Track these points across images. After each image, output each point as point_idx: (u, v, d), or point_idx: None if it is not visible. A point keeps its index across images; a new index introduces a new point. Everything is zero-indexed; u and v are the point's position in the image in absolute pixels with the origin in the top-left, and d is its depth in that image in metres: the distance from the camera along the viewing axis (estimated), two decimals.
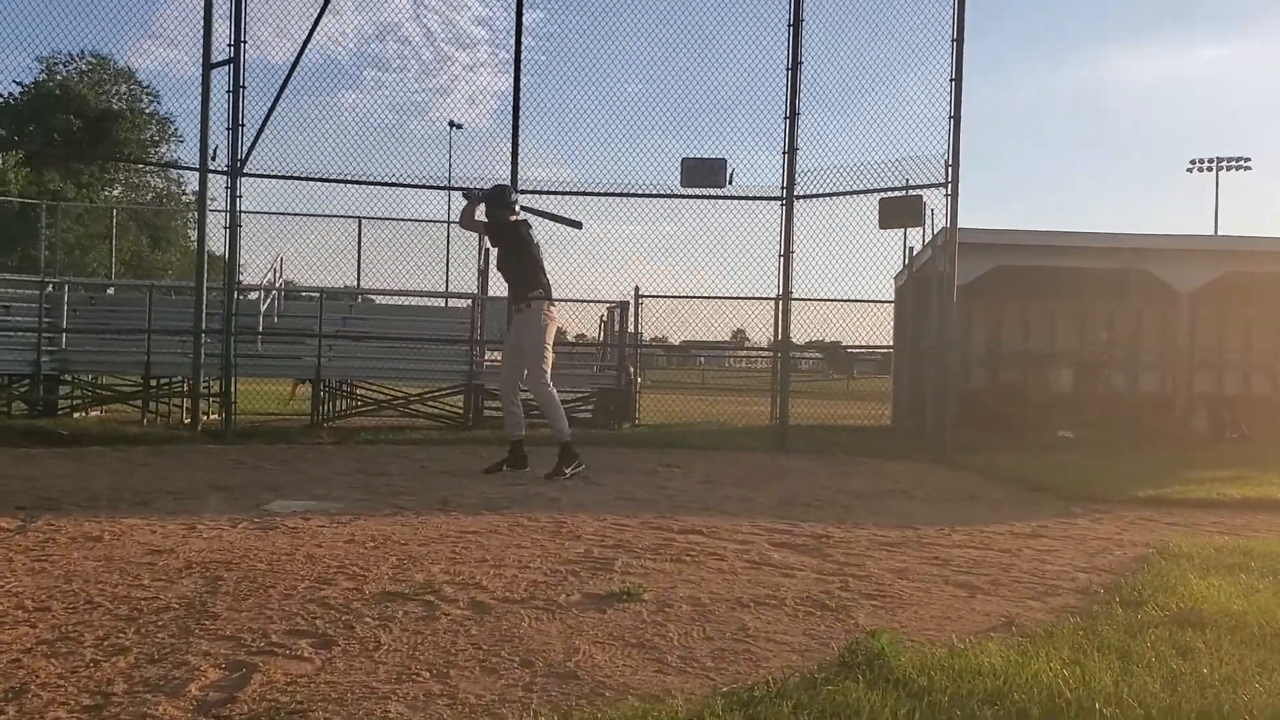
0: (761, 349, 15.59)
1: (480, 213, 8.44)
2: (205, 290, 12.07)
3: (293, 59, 11.93)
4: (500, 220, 8.32)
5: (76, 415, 14.95)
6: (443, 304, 17.31)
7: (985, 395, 15.56)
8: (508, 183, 9.96)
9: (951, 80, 11.25)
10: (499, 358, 17.68)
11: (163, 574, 4.37)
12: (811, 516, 6.43)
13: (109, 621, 3.64)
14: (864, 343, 18.63)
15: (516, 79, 12.29)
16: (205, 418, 12.37)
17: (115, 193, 43.41)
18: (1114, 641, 3.44)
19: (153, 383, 14.33)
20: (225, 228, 11.90)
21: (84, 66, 41.63)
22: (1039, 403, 15.16)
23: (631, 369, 16.36)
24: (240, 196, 11.85)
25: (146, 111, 43.29)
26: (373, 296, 17.79)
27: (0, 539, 5.06)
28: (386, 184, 13.14)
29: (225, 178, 11.96)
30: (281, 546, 5.00)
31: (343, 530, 5.47)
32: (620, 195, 12.47)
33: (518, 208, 8.49)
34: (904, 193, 11.87)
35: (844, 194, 12.11)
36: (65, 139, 38.68)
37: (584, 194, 12.47)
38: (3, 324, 14.30)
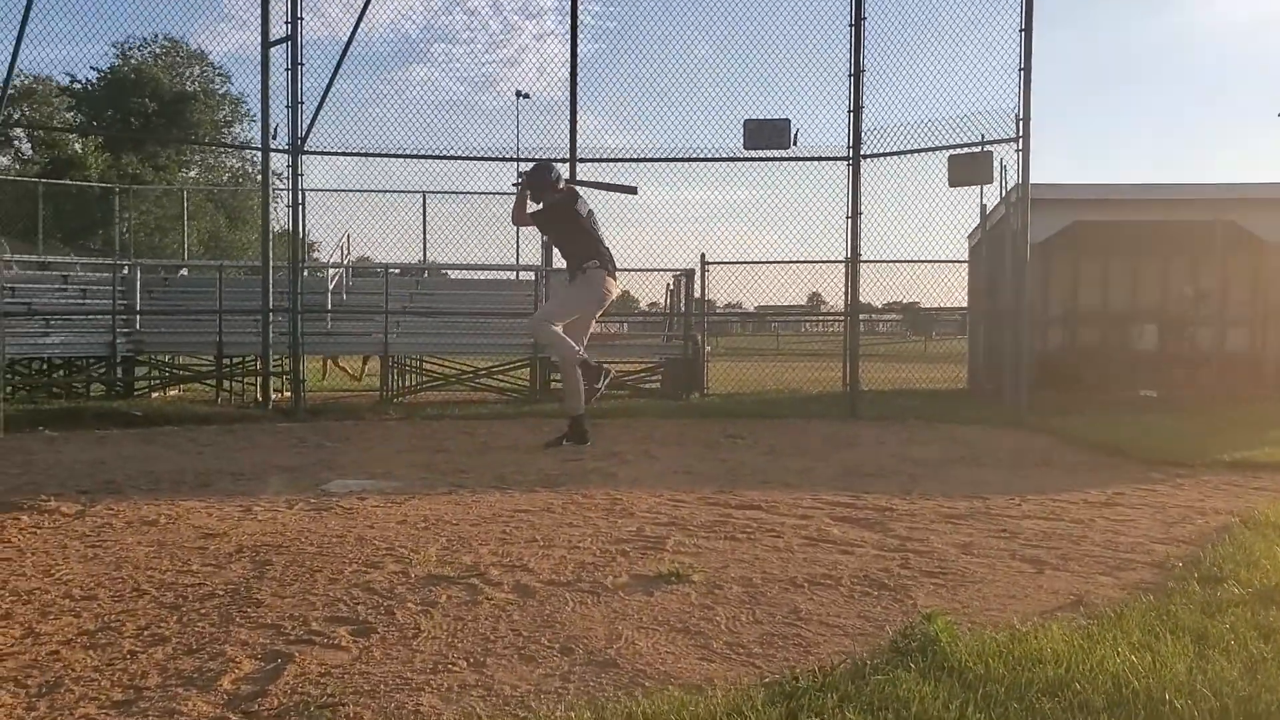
0: (831, 313, 15.26)
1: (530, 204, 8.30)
2: (271, 269, 12.15)
3: (349, 36, 11.86)
4: (548, 201, 8.15)
5: (154, 395, 15.24)
6: (513, 277, 17.29)
7: (1064, 356, 15.13)
8: (549, 159, 9.72)
9: (1021, 30, 10.85)
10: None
11: (213, 559, 4.36)
12: (876, 488, 6.25)
13: (153, 610, 3.61)
14: (940, 304, 18.13)
15: (573, 46, 12.11)
16: (278, 396, 12.50)
17: (192, 174, 44.15)
18: (1189, 623, 3.24)
19: (225, 362, 14.50)
20: (288, 206, 11.95)
21: (158, 50, 42.26)
22: (1120, 362, 14.69)
23: (699, 338, 16.21)
24: (302, 175, 11.88)
25: (219, 93, 43.87)
26: (443, 272, 17.83)
27: (59, 524, 5.11)
28: (450, 157, 13.06)
29: (287, 156, 12.01)
30: (334, 528, 4.96)
31: (396, 510, 5.43)
32: (683, 160, 12.28)
33: (561, 183, 8.28)
34: (975, 149, 11.50)
35: (912, 152, 11.78)
36: (141, 122, 39.39)
37: (646, 160, 12.33)
38: (79, 308, 14.57)
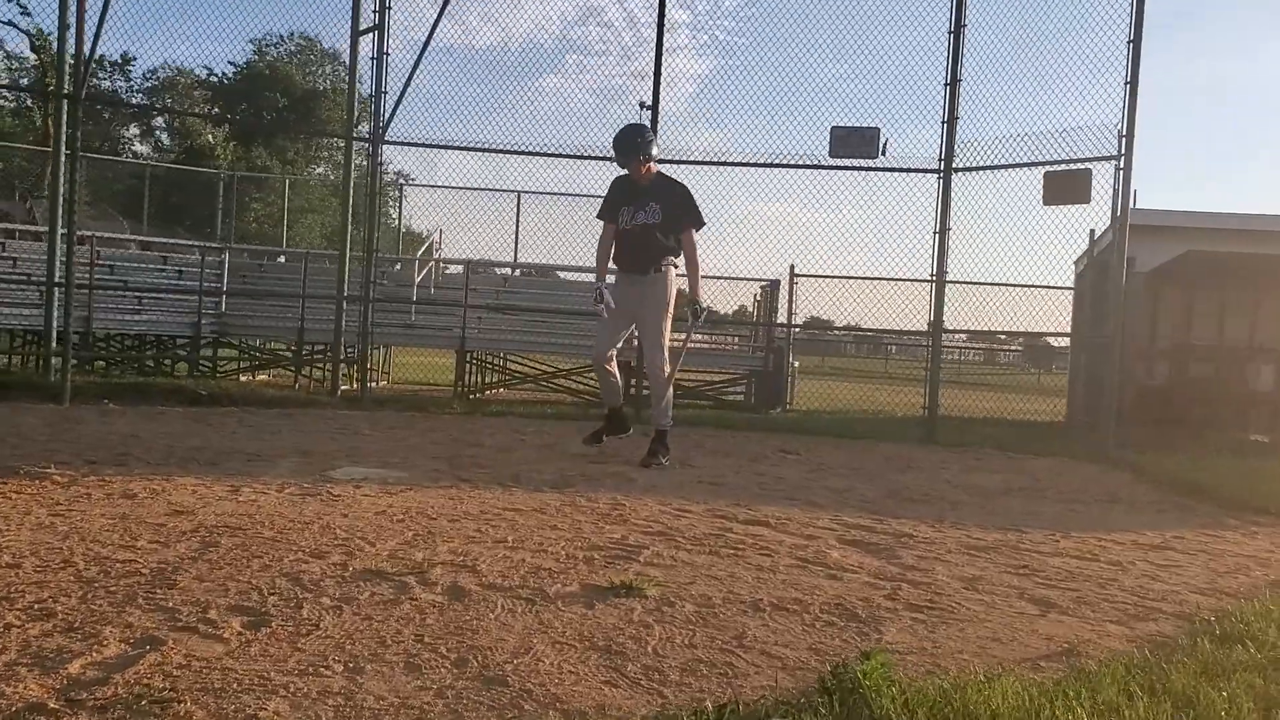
0: (911, 333, 14.61)
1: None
2: (348, 259, 12.16)
3: (432, 26, 11.77)
4: (678, 187, 7.32)
5: (244, 378, 15.47)
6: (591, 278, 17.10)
7: (1170, 391, 14.20)
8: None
9: (1129, 42, 10.15)
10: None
11: (164, 536, 4.17)
12: (910, 513, 5.78)
13: (65, 583, 3.43)
14: (1037, 329, 17.28)
15: (658, 54, 11.81)
16: (355, 384, 12.48)
17: (319, 170, 45.29)
18: (1179, 685, 2.76)
19: (306, 348, 14.63)
20: (366, 195, 11.93)
21: (292, 48, 43.49)
22: (1232, 402, 13.71)
23: (785, 351, 15.77)
24: (382, 165, 11.85)
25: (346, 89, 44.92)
26: (530, 271, 17.75)
27: (40, 492, 5.00)
28: (540, 154, 12.86)
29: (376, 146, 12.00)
30: (306, 514, 4.75)
31: (383, 501, 5.20)
32: (765, 166, 11.86)
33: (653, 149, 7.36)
34: (1075, 166, 10.82)
35: (1006, 167, 11.15)
36: (272, 116, 40.51)
37: (727, 164, 11.94)
38: (167, 287, 14.87)
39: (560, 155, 12.66)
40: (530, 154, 12.75)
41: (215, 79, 42.21)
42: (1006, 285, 14.00)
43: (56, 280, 10.27)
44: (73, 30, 10.21)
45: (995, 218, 12.05)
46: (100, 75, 41.58)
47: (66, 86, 10.26)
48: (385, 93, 11.76)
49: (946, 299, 16.29)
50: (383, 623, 3.17)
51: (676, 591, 3.70)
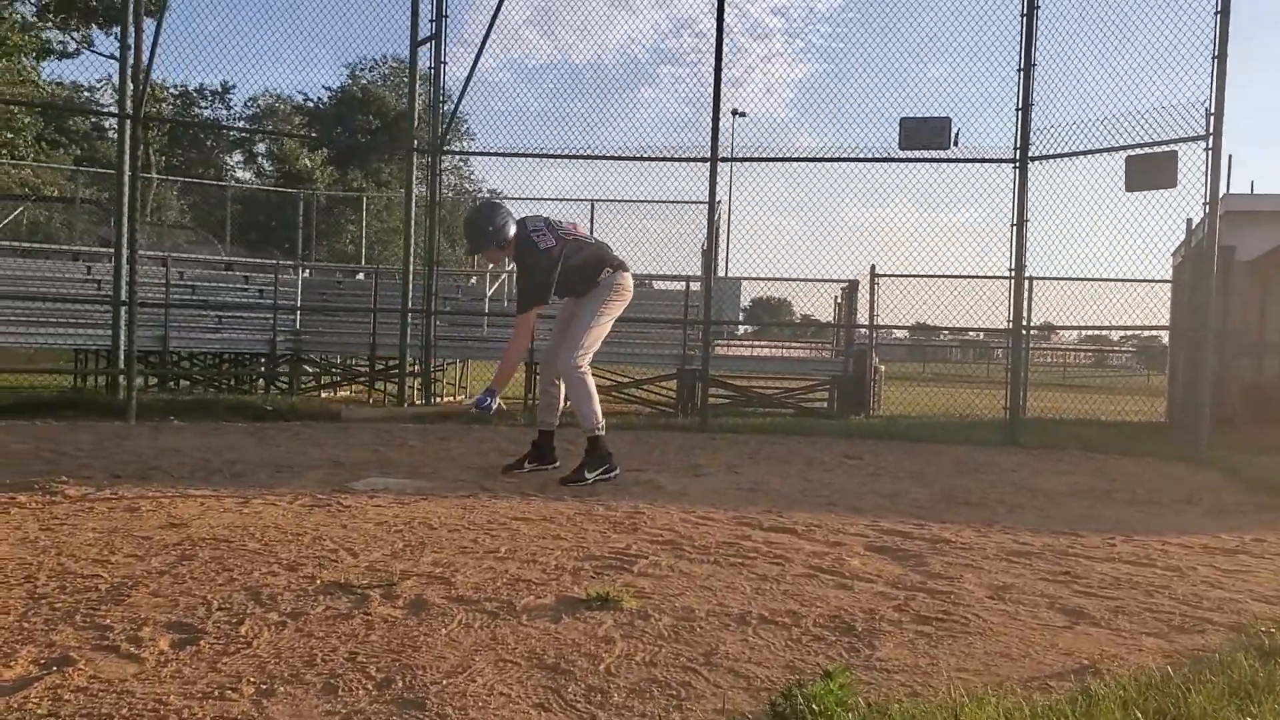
0: (991, 329, 14.01)
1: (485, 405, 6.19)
2: (411, 273, 12.11)
3: (485, 33, 11.66)
4: (524, 259, 6.45)
5: (324, 395, 15.59)
6: (680, 287, 16.85)
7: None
8: (486, 200, 7.04)
9: (1217, 13, 9.51)
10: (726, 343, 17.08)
11: (144, 550, 4.02)
12: (957, 517, 5.37)
13: (12, 601, 3.28)
14: (1132, 324, 16.46)
15: (719, 48, 11.50)
16: (437, 398, 12.40)
17: (419, 190, 46.01)
18: (1196, 710, 2.37)
19: (380, 363, 14.65)
20: (426, 206, 11.86)
21: (385, 71, 44.22)
22: None
23: (868, 356, 15.28)
24: (441, 175, 11.77)
25: (441, 111, 45.46)
26: None
27: (45, 505, 4.93)
28: (608, 157, 12.62)
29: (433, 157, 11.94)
30: (304, 526, 4.57)
31: (390, 511, 4.99)
32: (831, 160, 11.45)
33: (508, 230, 6.41)
34: (1159, 148, 10.19)
35: (1086, 153, 10.55)
36: (365, 138, 41.19)
37: (793, 160, 11.57)
38: (247, 306, 15.04)
39: (638, 159, 12.38)
40: (602, 158, 12.52)
41: (311, 103, 43.14)
42: (1095, 280, 13.32)
43: (122, 299, 10.38)
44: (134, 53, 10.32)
45: (1080, 208, 11.40)
46: (202, 104, 43.01)
47: (127, 107, 10.40)
48: (444, 102, 11.70)
49: (1035, 296, 15.61)
50: (322, 639, 2.94)
51: (659, 604, 3.40)
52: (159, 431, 8.78)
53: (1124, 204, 10.95)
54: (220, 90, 42.00)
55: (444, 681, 2.63)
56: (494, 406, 6.20)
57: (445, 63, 11.72)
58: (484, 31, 11.56)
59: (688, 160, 11.48)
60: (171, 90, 39.70)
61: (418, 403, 12.21)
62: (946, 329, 20.49)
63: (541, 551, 4.17)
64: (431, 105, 11.80)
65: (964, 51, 11.72)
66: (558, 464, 6.67)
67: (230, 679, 2.62)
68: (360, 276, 18.50)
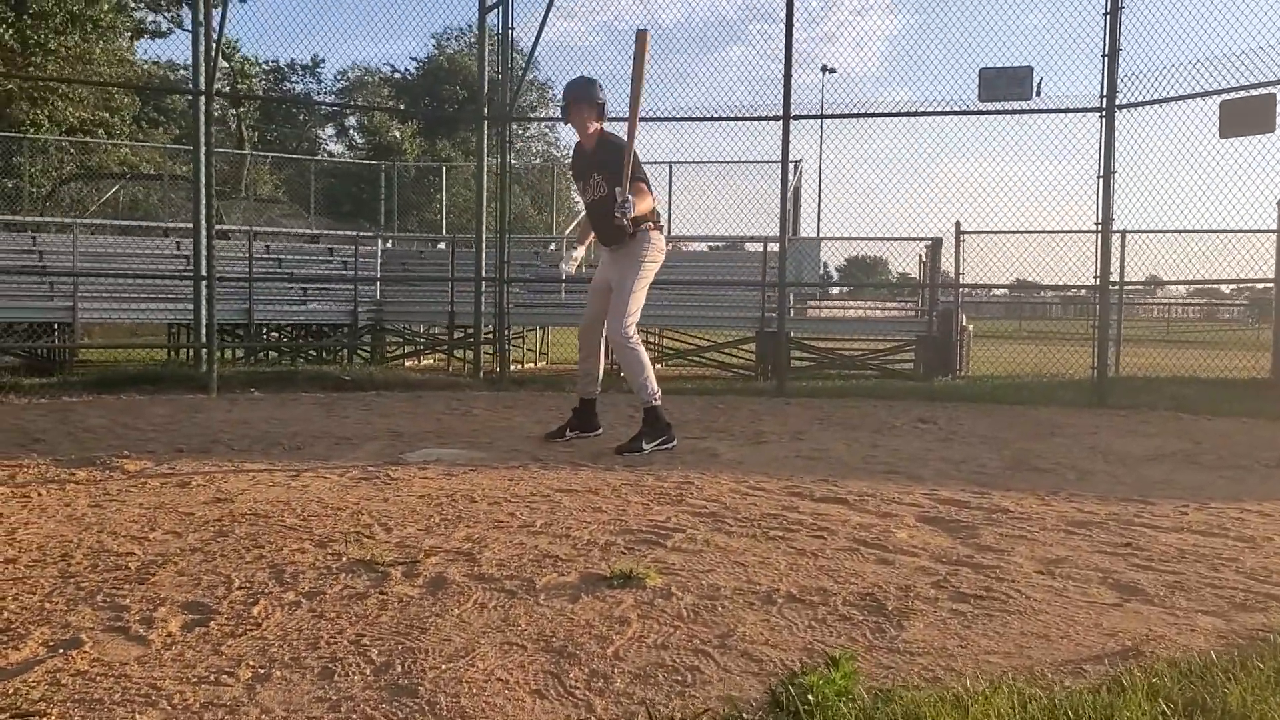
0: (1078, 285, 13.51)
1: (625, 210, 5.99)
2: (484, 240, 12.10)
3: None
4: (611, 147, 6.22)
5: (409, 364, 15.78)
6: (759, 248, 16.63)
7: None
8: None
9: None
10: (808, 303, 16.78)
11: (183, 526, 4.05)
12: (1022, 484, 5.15)
13: (42, 580, 3.31)
14: (1237, 277, 15.73)
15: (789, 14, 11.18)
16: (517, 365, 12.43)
17: (492, 159, 46.14)
18: (1233, 702, 2.18)
19: (459, 332, 14.74)
20: (497, 174, 11.83)
21: (472, 40, 44.34)
22: None
23: (954, 315, 14.87)
24: (511, 143, 11.70)
25: (527, 79, 45.53)
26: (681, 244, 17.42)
27: (100, 480, 5.00)
28: (689, 119, 12.41)
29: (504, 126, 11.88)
30: (348, 499, 4.56)
31: (436, 483, 4.97)
32: (906, 115, 11.11)
33: (603, 107, 6.39)
34: (1261, 92, 9.65)
35: (1177, 99, 10.04)
36: (453, 108, 41.45)
37: (867, 115, 11.24)
38: (328, 277, 15.24)
39: (710, 119, 12.16)
40: (672, 119, 12.33)
41: (398, 75, 43.54)
42: (1191, 232, 12.72)
43: (202, 274, 10.57)
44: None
45: (1173, 157, 10.89)
46: (293, 79, 43.74)
47: (200, 83, 10.54)
48: (512, 69, 11.62)
49: (1133, 250, 14.98)
50: (332, 620, 2.90)
51: (684, 582, 3.29)
52: (235, 404, 8.93)
53: (1220, 151, 10.44)
54: (310, 65, 42.61)
55: (443, 666, 2.56)
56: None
57: (513, 28, 11.63)
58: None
59: (759, 119, 11.23)
60: (263, 66, 40.46)
61: (494, 370, 12.24)
62: (1038, 286, 19.83)
63: (578, 525, 4.08)
64: (501, 71, 11.71)
65: None
66: (600, 431, 6.59)
67: (231, 662, 2.58)
68: (441, 246, 18.61)
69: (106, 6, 27.48)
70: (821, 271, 20.22)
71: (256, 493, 4.72)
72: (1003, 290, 23.89)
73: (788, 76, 11.12)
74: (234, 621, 2.89)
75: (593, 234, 6.64)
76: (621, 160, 6.01)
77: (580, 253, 6.73)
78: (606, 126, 6.53)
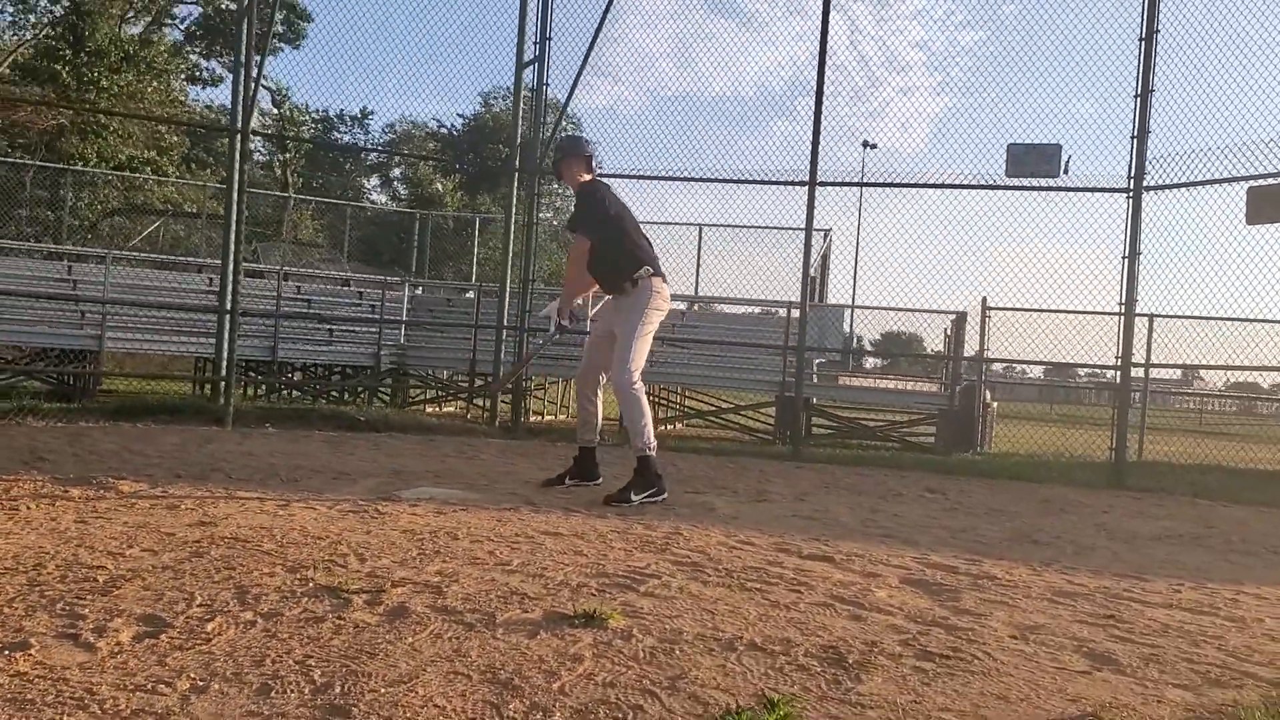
0: (1098, 365, 13.36)
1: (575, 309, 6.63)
2: (508, 290, 12.18)
3: (584, 56, 11.69)
4: (581, 189, 6.48)
5: (429, 410, 15.82)
6: (781, 313, 16.65)
7: None
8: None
9: None
10: (826, 367, 16.72)
11: (161, 545, 4.05)
12: (1018, 555, 5.06)
13: (11, 585, 3.31)
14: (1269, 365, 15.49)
15: (822, 52, 11.29)
16: (536, 417, 12.45)
17: (544, 215, 46.68)
18: None
19: (479, 379, 14.79)
20: (524, 226, 11.94)
21: (521, 101, 45.01)
22: None
23: (977, 391, 14.76)
24: (539, 196, 11.82)
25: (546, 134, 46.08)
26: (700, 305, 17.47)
27: (92, 498, 5.03)
28: (719, 180, 12.50)
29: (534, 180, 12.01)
30: (331, 530, 4.55)
31: (424, 520, 4.94)
32: (932, 186, 11.12)
33: (591, 162, 6.60)
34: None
35: (1206, 183, 9.99)
36: (496, 164, 41.97)
37: (891, 185, 11.27)
38: (351, 319, 15.36)
39: (738, 181, 12.23)
40: (700, 180, 12.39)
41: (444, 130, 44.26)
42: (1221, 319, 12.59)
43: (226, 309, 10.69)
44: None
45: (1202, 243, 10.81)
46: (341, 129, 44.53)
47: (238, 122, 10.74)
48: (545, 123, 11.78)
49: (1161, 334, 14.86)
50: (284, 641, 2.88)
51: (648, 625, 3.24)
52: (247, 438, 8.97)
53: (1248, 237, 10.37)
54: (359, 116, 43.41)
55: (383, 690, 2.52)
56: (555, 323, 6.64)
57: (548, 84, 11.80)
58: (585, 54, 11.60)
59: (783, 184, 11.28)
60: (312, 115, 41.27)
61: (509, 418, 12.24)
62: (1060, 364, 19.65)
63: (554, 566, 4.04)
64: (533, 127, 11.86)
65: (1076, 78, 11.25)
66: (600, 481, 6.54)
67: (172, 673, 2.56)
68: (469, 295, 18.76)
69: (162, 49, 28.25)
70: (855, 343, 20.19)
71: (242, 518, 4.71)
72: (1031, 371, 23.71)
73: (815, 144, 11.19)
74: (185, 635, 2.87)
75: (595, 285, 6.67)
76: (589, 207, 6.35)
77: (557, 305, 6.78)
78: (619, 182, 6.62)
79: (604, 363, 6.41)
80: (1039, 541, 5.62)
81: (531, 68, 11.94)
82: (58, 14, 26.31)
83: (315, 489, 5.84)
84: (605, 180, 6.80)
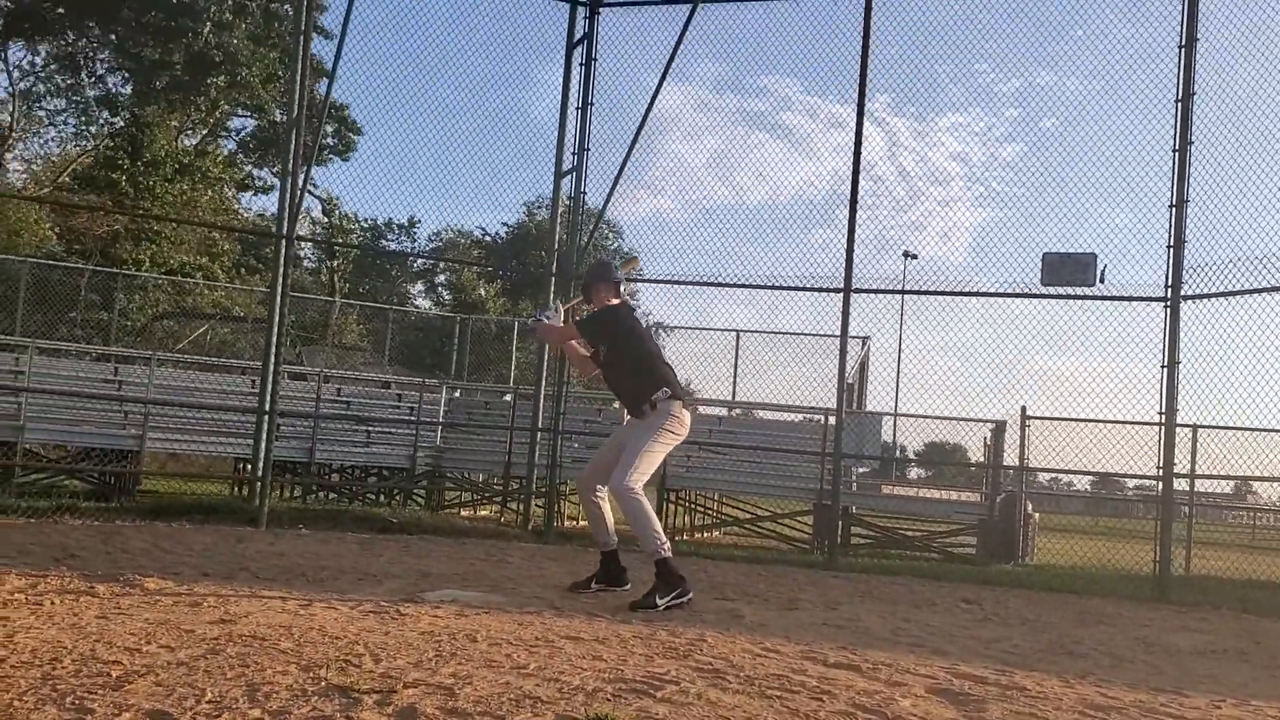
0: (1139, 475, 13.11)
1: (548, 318, 6.77)
2: (543, 393, 12.25)
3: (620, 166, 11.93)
4: (603, 314, 6.65)
5: (465, 513, 15.80)
6: (819, 419, 16.58)
7: None
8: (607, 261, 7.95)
9: None
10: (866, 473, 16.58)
11: (179, 642, 4.04)
12: (1050, 667, 4.92)
13: (22, 680, 3.32)
14: None
15: (856, 162, 11.42)
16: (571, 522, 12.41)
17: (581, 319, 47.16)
18: None
19: (515, 483, 14.78)
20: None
21: (561, 208, 45.90)
22: None
23: (1018, 501, 14.52)
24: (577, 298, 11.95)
25: (611, 247, 46.80)
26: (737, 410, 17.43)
27: (116, 595, 5.04)
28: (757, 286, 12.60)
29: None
30: (350, 630, 4.52)
31: (444, 622, 4.90)
32: (965, 295, 11.12)
33: (621, 289, 6.86)
34: None
35: (1245, 293, 9.92)
36: (537, 272, 42.62)
37: (921, 293, 11.29)
38: (387, 419, 15.48)
39: (773, 287, 12.31)
40: (736, 285, 12.52)
41: (489, 238, 45.15)
42: (1267, 431, 12.33)
43: (265, 409, 10.81)
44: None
45: (1244, 352, 10.67)
46: (389, 236, 45.51)
47: (283, 228, 11.00)
48: (580, 230, 12.00)
49: (1207, 445, 14.62)
50: None
51: None
52: (279, 538, 8.99)
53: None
54: (406, 224, 44.42)
55: None
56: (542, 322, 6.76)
57: (585, 192, 12.06)
58: (620, 164, 11.85)
59: (820, 290, 11.35)
60: (361, 223, 42.26)
61: (541, 522, 12.18)
62: (1099, 473, 19.31)
63: (571, 670, 3.98)
64: (570, 233, 12.08)
65: (1113, 188, 11.30)
66: (628, 586, 6.47)
67: None
68: (507, 398, 18.88)
69: (217, 159, 29.18)
70: (898, 451, 20.00)
71: (262, 617, 4.70)
72: (1078, 484, 23.37)
73: (849, 252, 11.28)
74: None
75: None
76: (600, 319, 6.62)
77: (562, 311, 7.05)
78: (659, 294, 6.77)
79: (609, 468, 6.37)
80: (1074, 653, 5.47)
81: (569, 177, 12.21)
82: (118, 125, 27.30)
83: (339, 589, 5.82)
84: (644, 281, 7.01)
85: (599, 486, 6.49)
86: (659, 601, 5.89)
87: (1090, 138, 12.20)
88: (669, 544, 6.22)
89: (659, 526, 6.25)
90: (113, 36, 26.43)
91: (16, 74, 27.40)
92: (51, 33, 26.21)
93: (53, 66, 28.01)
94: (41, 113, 28.30)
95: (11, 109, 26.64)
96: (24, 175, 28.42)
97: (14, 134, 26.81)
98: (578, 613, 5.53)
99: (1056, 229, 11.12)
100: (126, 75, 27.90)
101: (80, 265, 22.51)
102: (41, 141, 29.74)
